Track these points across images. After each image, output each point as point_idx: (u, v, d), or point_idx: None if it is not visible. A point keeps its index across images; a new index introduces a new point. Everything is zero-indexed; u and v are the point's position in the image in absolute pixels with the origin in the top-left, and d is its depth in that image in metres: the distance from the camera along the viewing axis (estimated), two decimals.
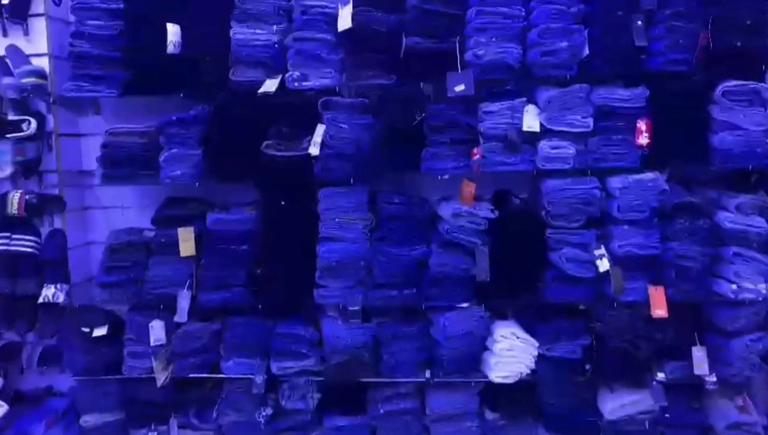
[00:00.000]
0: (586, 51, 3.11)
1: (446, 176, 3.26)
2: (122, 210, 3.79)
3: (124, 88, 3.39)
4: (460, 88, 3.12)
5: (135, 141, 3.39)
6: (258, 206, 3.43)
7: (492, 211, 3.24)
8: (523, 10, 3.14)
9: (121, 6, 3.34)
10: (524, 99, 3.19)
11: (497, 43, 3.12)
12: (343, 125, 3.23)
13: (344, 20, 3.17)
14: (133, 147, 3.39)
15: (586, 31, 3.12)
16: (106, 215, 3.80)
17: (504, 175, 3.33)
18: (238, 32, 3.25)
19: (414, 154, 3.24)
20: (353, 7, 3.16)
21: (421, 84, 3.25)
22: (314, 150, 3.21)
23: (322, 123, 3.22)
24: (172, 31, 3.29)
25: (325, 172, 3.25)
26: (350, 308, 3.30)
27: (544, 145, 3.17)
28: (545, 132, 3.17)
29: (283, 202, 3.33)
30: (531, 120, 3.17)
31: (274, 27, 3.27)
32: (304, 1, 3.23)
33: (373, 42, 3.18)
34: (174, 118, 3.31)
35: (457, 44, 3.13)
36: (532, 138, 3.20)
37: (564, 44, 3.09)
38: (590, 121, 3.14)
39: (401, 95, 3.21)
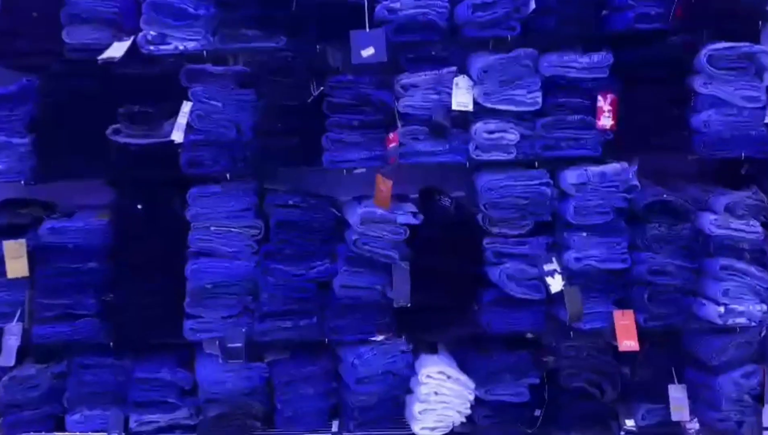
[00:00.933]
0: (533, 5, 2.37)
1: (359, 170, 2.51)
2: None
3: None
4: (368, 52, 2.36)
5: None
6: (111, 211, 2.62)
7: (414, 215, 2.49)
8: None
9: None
10: (454, 68, 2.45)
11: None
12: (216, 102, 2.45)
13: None
14: None
15: None
16: None
17: (431, 168, 2.60)
18: None
19: (312, 142, 2.47)
20: None
21: (319, 47, 2.49)
22: (178, 135, 2.43)
23: (188, 99, 2.43)
24: None
25: (193, 164, 2.48)
26: (231, 345, 2.51)
27: (479, 129, 2.43)
28: (480, 111, 2.44)
29: (139, 206, 2.53)
30: (462, 96, 2.43)
31: None
32: None
33: None
34: None
35: None
36: (465, 120, 2.47)
37: None
38: (538, 96, 2.41)
39: (292, 63, 2.44)
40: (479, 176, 2.51)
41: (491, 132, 2.44)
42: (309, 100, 2.44)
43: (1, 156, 2.52)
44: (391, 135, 2.46)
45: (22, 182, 2.55)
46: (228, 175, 2.49)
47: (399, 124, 2.45)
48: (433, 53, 2.47)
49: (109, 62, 2.40)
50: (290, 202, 2.54)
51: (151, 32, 2.44)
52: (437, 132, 2.45)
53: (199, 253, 2.51)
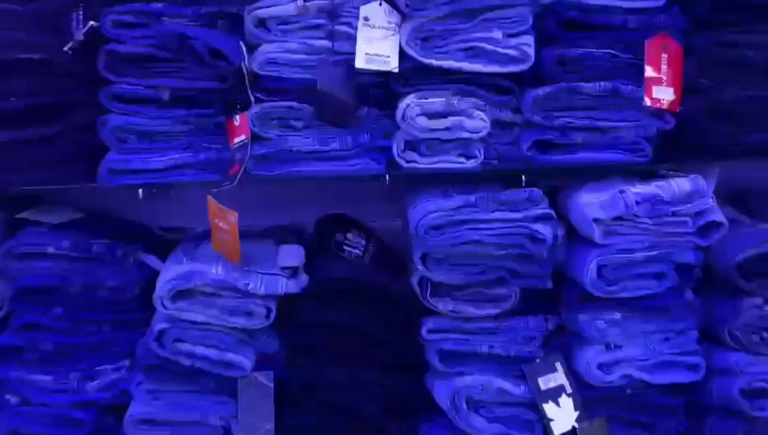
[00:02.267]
0: None
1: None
2: None
3: None
4: None
5: None
6: None
7: (292, 275, 1.27)
8: None
9: None
10: None
11: None
12: None
13: None
14: None
15: None
16: None
17: (329, 182, 1.39)
18: None
19: (76, 135, 1.23)
20: None
21: None
22: None
23: None
24: None
25: None
26: None
27: (411, 110, 1.23)
28: (416, 74, 1.23)
29: None
30: (379, 42, 1.22)
31: None
32: None
33: None
34: None
35: None
36: (385, 92, 1.27)
37: None
38: (529, 43, 1.21)
39: None
40: (413, 202, 1.30)
41: (436, 115, 1.24)
42: (67, 50, 1.20)
43: None
44: (236, 119, 1.24)
45: None
46: None
47: (252, 97, 1.23)
48: None
49: None
50: (49, 250, 1.30)
51: None
52: (329, 114, 1.24)
53: None
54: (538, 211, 1.23)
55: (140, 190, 1.22)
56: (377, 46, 1.21)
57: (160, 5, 1.23)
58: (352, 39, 1.21)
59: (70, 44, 1.19)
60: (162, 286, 1.21)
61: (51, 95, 1.22)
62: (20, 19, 1.19)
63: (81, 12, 1.21)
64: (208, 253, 1.29)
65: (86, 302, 1.30)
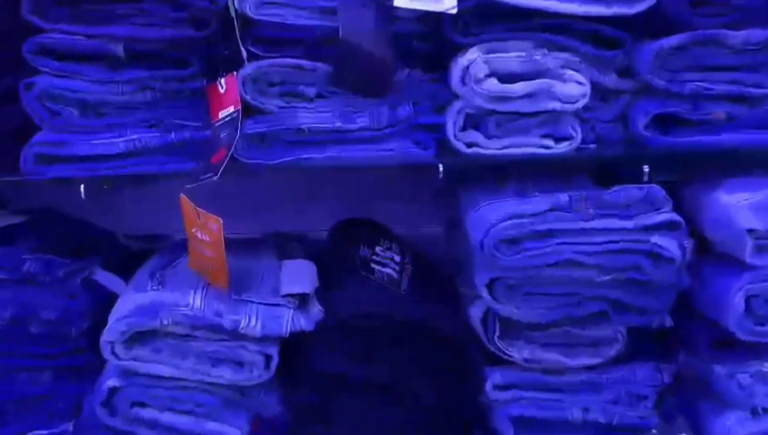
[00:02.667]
0: None
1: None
2: None
3: None
4: None
5: None
6: None
7: (300, 306, 0.89)
8: None
9: None
10: None
11: None
12: None
13: None
14: None
15: None
16: None
17: (348, 172, 1.02)
18: None
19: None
20: None
21: None
22: None
23: None
24: None
25: None
26: None
27: (474, 67, 0.84)
28: (483, 16, 0.85)
29: None
30: None
31: None
32: None
33: None
34: None
35: None
36: (437, 47, 0.89)
37: None
38: None
39: None
40: (473, 202, 0.91)
41: (511, 77, 0.85)
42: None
43: None
44: (221, 84, 0.86)
45: None
46: None
47: (243, 51, 0.85)
48: None
49: None
50: None
51: None
52: (355, 77, 0.87)
53: None
54: (660, 218, 0.84)
55: (82, 186, 0.85)
56: None
57: None
58: None
59: None
60: (113, 326, 0.83)
61: None
62: None
63: None
64: (182, 274, 0.92)
65: (15, 341, 0.93)
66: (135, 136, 0.86)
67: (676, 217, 0.84)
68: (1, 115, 0.86)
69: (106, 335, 0.83)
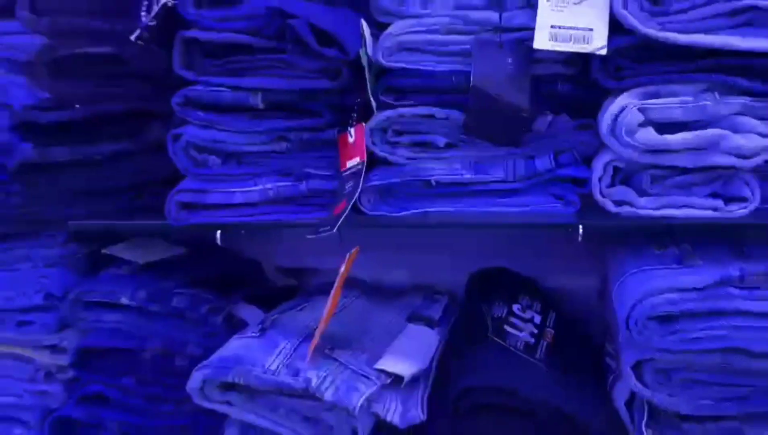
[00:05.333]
0: None
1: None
2: None
3: None
4: None
5: None
6: None
7: (389, 381, 0.81)
8: None
9: None
10: None
11: None
12: None
13: None
14: None
15: None
16: None
17: (481, 233, 0.93)
18: None
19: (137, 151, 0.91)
20: None
21: None
22: None
23: None
24: None
25: None
26: None
27: (627, 114, 0.72)
28: (638, 56, 0.73)
29: None
30: (576, 6, 0.74)
31: None
32: None
33: None
34: None
35: None
36: (587, 94, 0.79)
37: None
38: None
39: None
40: (620, 268, 0.79)
41: (673, 126, 0.73)
42: (135, 40, 0.88)
43: None
44: (350, 133, 0.84)
45: None
46: None
47: (373, 102, 0.83)
48: None
49: None
50: (123, 301, 1.00)
51: None
52: (489, 125, 0.80)
53: None
54: None
55: (218, 232, 0.87)
56: (570, 14, 0.74)
57: None
58: (531, 6, 0.76)
59: (138, 32, 0.88)
60: (195, 375, 0.83)
61: (119, 102, 0.92)
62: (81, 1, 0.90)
63: None
64: (294, 322, 0.91)
65: (163, 373, 0.99)
66: (269, 186, 0.87)
67: None
68: (155, 163, 0.92)
69: (190, 382, 0.84)
